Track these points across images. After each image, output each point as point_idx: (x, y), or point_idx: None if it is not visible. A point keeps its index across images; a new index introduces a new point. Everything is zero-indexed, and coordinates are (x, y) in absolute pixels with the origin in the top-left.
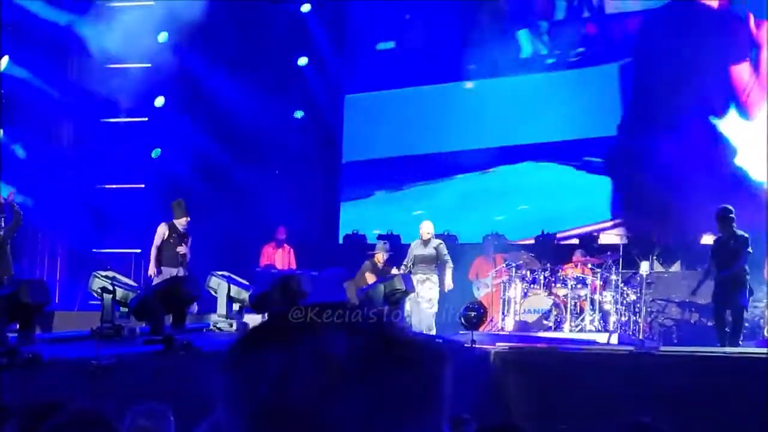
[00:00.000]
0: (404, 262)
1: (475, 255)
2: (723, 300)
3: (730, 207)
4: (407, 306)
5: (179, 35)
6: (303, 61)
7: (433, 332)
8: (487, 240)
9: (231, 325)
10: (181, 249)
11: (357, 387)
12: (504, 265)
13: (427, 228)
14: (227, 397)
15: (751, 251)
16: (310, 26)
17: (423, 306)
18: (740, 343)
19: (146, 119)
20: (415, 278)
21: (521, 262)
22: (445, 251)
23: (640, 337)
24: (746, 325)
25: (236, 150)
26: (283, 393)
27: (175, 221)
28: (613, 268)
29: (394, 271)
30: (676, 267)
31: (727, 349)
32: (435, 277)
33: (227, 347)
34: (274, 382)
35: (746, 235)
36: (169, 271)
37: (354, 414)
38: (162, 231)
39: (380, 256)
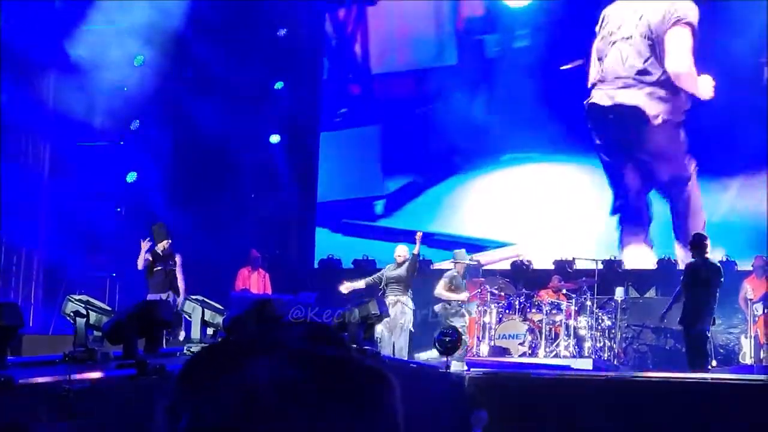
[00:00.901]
0: (378, 283)
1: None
2: (689, 324)
3: (705, 234)
4: (379, 329)
5: (156, 58)
6: (279, 85)
7: (405, 354)
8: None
9: None
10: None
11: (282, 417)
12: (478, 290)
13: (401, 251)
14: (162, 425)
15: (722, 280)
16: (286, 50)
17: (395, 330)
18: (709, 368)
19: (121, 143)
20: (386, 300)
21: (497, 287)
22: (412, 266)
23: (615, 362)
24: (721, 351)
25: (212, 173)
26: (204, 423)
27: (157, 246)
28: (588, 294)
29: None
30: (651, 293)
31: (704, 375)
32: (405, 299)
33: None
34: (196, 412)
35: (719, 264)
36: (155, 297)
37: None
38: (144, 257)
39: (461, 267)
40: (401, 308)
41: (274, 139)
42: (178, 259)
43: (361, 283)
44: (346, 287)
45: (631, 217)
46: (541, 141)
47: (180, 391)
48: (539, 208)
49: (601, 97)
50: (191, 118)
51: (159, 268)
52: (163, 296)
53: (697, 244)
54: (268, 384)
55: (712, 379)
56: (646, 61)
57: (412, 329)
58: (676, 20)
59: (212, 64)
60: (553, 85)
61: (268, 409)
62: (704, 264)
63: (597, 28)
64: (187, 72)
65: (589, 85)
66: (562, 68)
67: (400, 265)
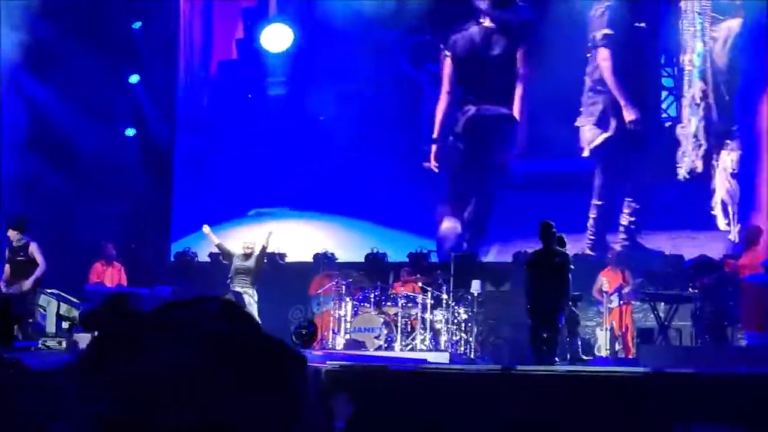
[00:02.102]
0: (228, 263)
1: (308, 273)
2: (542, 318)
3: (552, 222)
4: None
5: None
6: (134, 78)
7: None
8: (317, 258)
9: (60, 344)
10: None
11: (197, 397)
12: (333, 283)
13: (249, 242)
14: (69, 411)
15: (572, 267)
16: (140, 43)
17: None
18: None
19: None
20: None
21: (351, 280)
22: (261, 258)
23: (472, 356)
24: (578, 343)
25: (66, 167)
26: (122, 405)
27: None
28: (444, 287)
29: None
30: (506, 286)
31: (559, 368)
32: (252, 291)
33: (65, 363)
34: (114, 395)
35: (567, 252)
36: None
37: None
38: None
39: None
40: (248, 300)
41: (130, 132)
42: (32, 247)
43: (216, 240)
44: (207, 229)
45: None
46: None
47: (90, 380)
48: None
49: None
50: (42, 109)
51: (10, 258)
52: (19, 287)
53: (546, 231)
54: (178, 367)
55: (569, 371)
56: None
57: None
58: None
59: (65, 55)
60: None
61: (179, 391)
62: (554, 252)
63: None
64: (39, 63)
65: None
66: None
67: (248, 256)
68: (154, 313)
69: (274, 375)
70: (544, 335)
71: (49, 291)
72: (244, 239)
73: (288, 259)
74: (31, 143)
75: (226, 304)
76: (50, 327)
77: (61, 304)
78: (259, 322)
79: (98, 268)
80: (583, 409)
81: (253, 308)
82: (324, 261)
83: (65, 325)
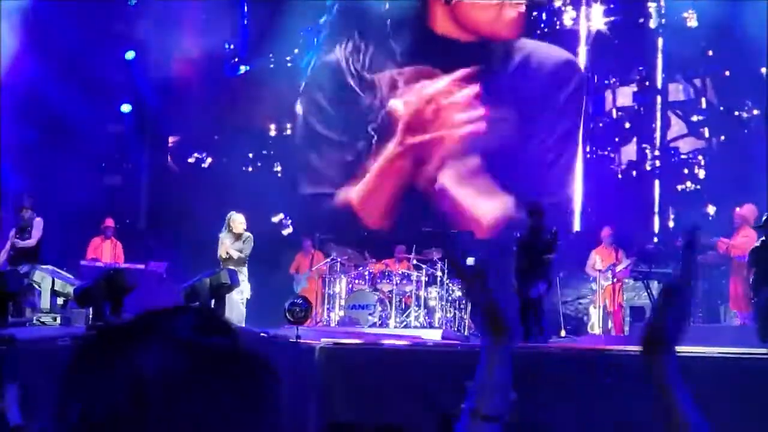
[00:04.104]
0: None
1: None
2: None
3: (540, 202)
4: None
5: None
6: (130, 54)
7: (243, 323)
8: (306, 235)
9: (55, 320)
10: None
11: (171, 408)
12: (328, 260)
13: (239, 219)
14: (53, 415)
15: (560, 243)
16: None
17: (235, 297)
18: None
19: None
20: None
21: (346, 257)
22: (249, 246)
23: (466, 333)
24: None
25: (61, 143)
26: (97, 413)
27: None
28: (439, 265)
29: None
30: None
31: (553, 345)
32: (244, 269)
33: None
34: (85, 404)
35: (555, 228)
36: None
37: None
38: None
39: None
40: (241, 278)
41: (125, 108)
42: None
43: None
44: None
45: None
46: None
47: (68, 384)
48: None
49: None
50: (37, 88)
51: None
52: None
53: (535, 211)
54: (156, 374)
55: (562, 349)
56: None
57: (248, 296)
58: None
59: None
60: None
61: (156, 399)
62: (544, 230)
63: None
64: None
65: None
66: None
67: (238, 236)
68: (135, 319)
69: (249, 389)
70: (533, 314)
71: (43, 267)
72: (236, 218)
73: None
74: (26, 117)
75: (204, 314)
76: (45, 303)
77: (56, 280)
78: (240, 324)
79: (96, 243)
80: (574, 386)
81: (245, 284)
82: (314, 237)
83: (60, 301)
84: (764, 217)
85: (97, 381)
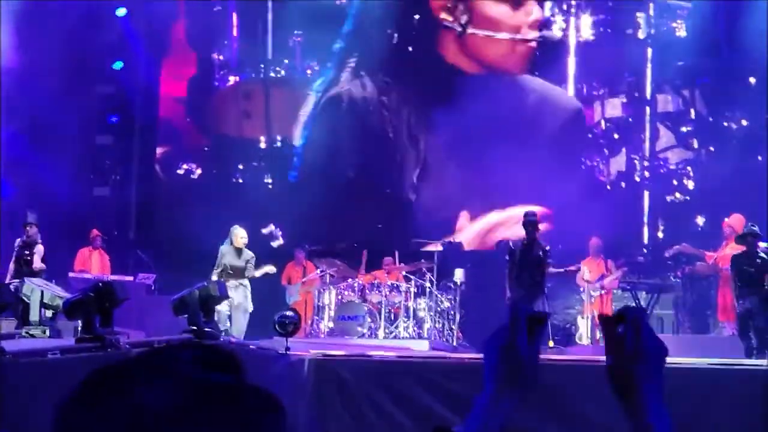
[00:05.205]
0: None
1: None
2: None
3: (535, 211)
4: (224, 307)
5: None
6: (118, 65)
7: (242, 337)
8: (298, 246)
9: (44, 332)
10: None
11: None
12: (317, 272)
13: (241, 234)
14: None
15: (551, 261)
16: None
17: (236, 312)
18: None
19: None
20: (228, 284)
21: (335, 269)
22: (252, 266)
23: (454, 343)
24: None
25: (50, 154)
26: None
27: None
28: (428, 276)
29: None
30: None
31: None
32: (247, 282)
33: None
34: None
35: (548, 247)
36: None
37: None
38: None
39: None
40: (243, 291)
41: (114, 119)
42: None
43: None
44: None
45: None
46: None
47: (70, 417)
48: None
49: None
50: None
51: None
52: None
53: (530, 222)
54: (158, 411)
55: (549, 360)
56: None
57: (250, 309)
58: None
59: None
60: None
61: (159, 429)
62: (536, 243)
63: None
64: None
65: None
66: None
67: (239, 250)
68: (139, 356)
69: (253, 425)
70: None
71: (33, 279)
72: (238, 232)
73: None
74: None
75: (208, 349)
76: (34, 316)
77: (45, 292)
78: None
79: (84, 254)
80: (564, 397)
81: (249, 298)
82: (305, 248)
83: (48, 313)
84: (744, 229)
85: (98, 417)
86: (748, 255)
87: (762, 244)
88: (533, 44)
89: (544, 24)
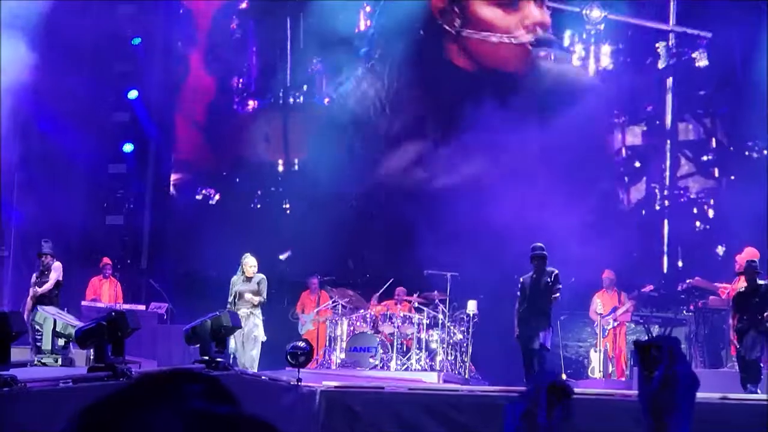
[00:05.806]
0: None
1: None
2: (531, 337)
3: (543, 246)
4: (232, 343)
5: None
6: (133, 94)
7: (256, 365)
8: (312, 277)
9: (56, 361)
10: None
11: None
12: (330, 303)
13: (253, 263)
14: None
15: (560, 286)
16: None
17: (248, 342)
18: None
19: None
20: (240, 314)
21: (347, 299)
22: (265, 288)
23: (466, 376)
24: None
25: (64, 182)
26: None
27: None
28: (441, 307)
29: None
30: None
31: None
32: (258, 311)
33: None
34: None
35: (557, 271)
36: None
37: None
38: None
39: None
40: (254, 321)
41: (128, 147)
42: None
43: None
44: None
45: None
46: None
47: None
48: None
49: None
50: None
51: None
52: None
53: (539, 255)
54: None
55: None
56: None
57: (263, 339)
58: None
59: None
60: None
61: None
62: (546, 274)
63: None
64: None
65: None
66: None
67: (250, 278)
68: (140, 386)
69: None
70: (534, 358)
71: (45, 308)
72: (248, 261)
73: None
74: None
75: (210, 383)
76: (46, 344)
77: (58, 321)
78: (253, 367)
79: (95, 283)
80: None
81: (260, 328)
82: (319, 279)
83: (61, 342)
84: (745, 264)
85: None
86: (749, 291)
87: (761, 282)
88: (533, 46)
89: (544, 25)
